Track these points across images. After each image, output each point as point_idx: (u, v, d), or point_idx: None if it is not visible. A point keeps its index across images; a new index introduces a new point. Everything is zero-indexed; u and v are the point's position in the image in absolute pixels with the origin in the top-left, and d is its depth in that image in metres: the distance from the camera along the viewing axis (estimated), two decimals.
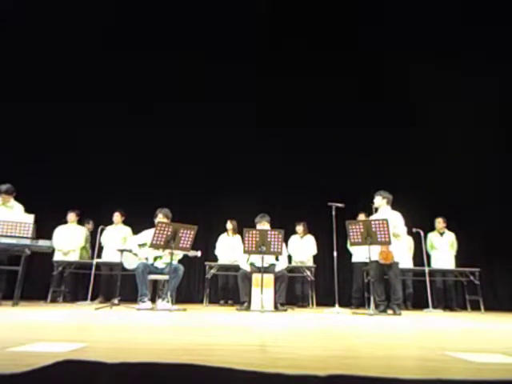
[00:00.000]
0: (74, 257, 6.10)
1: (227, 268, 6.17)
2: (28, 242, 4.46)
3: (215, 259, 6.33)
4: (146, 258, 4.58)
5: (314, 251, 6.38)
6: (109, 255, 6.05)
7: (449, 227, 6.40)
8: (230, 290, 6.41)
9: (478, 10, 6.69)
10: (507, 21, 6.59)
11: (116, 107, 7.18)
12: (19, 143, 6.92)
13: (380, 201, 4.81)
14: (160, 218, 4.67)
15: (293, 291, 6.27)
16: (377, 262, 4.48)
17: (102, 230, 6.04)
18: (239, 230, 6.10)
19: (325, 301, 6.21)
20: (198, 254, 4.59)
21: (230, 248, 6.28)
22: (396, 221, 4.63)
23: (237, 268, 5.22)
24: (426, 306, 5.64)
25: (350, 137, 7.32)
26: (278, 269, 4.82)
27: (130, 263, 4.57)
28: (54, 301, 5.77)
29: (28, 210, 5.01)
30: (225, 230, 6.48)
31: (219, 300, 6.37)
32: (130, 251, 4.62)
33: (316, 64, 7.34)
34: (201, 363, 0.90)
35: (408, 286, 6.21)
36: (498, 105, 6.83)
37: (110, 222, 6.25)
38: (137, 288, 4.33)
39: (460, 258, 6.33)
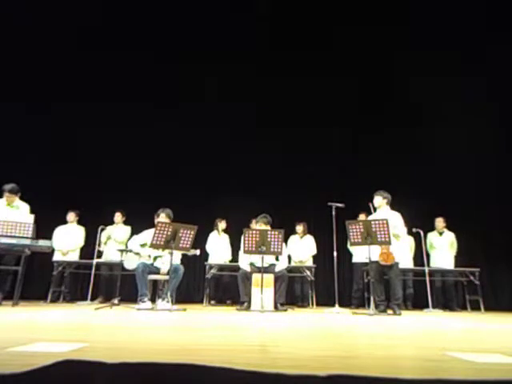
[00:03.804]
0: (73, 257, 6.10)
1: (222, 268, 6.19)
2: (28, 242, 4.45)
3: (206, 256, 6.33)
4: (149, 256, 4.58)
5: (314, 251, 6.37)
6: (109, 255, 6.05)
7: (449, 227, 6.39)
8: (229, 289, 6.40)
9: (479, 10, 6.70)
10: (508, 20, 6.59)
11: (116, 107, 7.18)
12: (19, 143, 6.91)
13: (380, 201, 4.80)
14: (162, 217, 4.67)
15: (293, 291, 6.28)
16: (377, 262, 4.48)
17: (102, 230, 6.04)
18: (234, 230, 6.14)
19: (325, 301, 6.22)
20: (197, 252, 4.62)
21: (219, 247, 6.37)
22: (396, 221, 4.62)
23: (236, 268, 5.22)
24: (426, 306, 5.64)
25: (350, 137, 7.31)
26: (278, 269, 4.82)
27: (130, 263, 4.57)
28: (54, 301, 5.77)
29: None
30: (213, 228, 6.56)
31: (210, 300, 6.10)
32: (131, 251, 4.62)
33: (316, 64, 7.34)
34: (201, 363, 0.90)
35: (408, 285, 6.21)
36: (498, 105, 6.83)
37: (111, 222, 6.25)
38: (137, 288, 4.34)
39: (460, 258, 6.33)
